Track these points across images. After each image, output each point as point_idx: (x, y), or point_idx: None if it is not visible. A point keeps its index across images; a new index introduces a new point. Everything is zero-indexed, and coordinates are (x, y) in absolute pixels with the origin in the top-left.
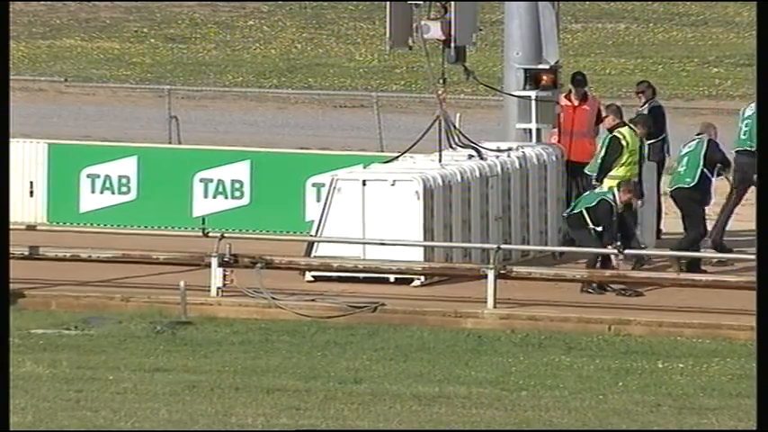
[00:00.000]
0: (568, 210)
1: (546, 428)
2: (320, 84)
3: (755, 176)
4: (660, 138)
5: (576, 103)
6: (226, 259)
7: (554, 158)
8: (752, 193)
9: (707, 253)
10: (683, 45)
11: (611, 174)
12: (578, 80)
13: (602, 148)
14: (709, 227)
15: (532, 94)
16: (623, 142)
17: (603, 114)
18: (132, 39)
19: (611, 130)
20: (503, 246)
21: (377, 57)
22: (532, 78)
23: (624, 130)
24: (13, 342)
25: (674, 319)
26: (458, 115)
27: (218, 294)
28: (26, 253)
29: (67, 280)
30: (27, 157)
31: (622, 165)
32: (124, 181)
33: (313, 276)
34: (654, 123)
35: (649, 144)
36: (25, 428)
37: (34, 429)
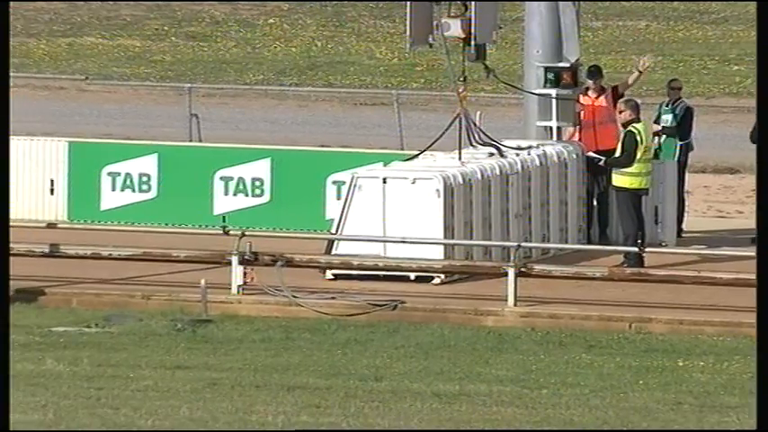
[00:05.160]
0: None
1: (566, 427)
2: (341, 82)
3: None
4: (687, 139)
5: (594, 97)
6: (246, 257)
7: (574, 156)
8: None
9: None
10: (703, 43)
11: (623, 170)
12: (592, 72)
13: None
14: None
15: (553, 92)
16: (638, 137)
17: (619, 109)
18: (153, 37)
19: (625, 125)
20: (523, 243)
21: (397, 54)
22: (553, 76)
23: (639, 125)
24: (33, 340)
25: (695, 317)
26: (478, 113)
27: (238, 292)
28: (47, 251)
29: (88, 278)
30: (48, 156)
31: (636, 160)
32: (145, 179)
33: (333, 274)
34: (684, 125)
35: (680, 144)
36: (46, 426)
37: (54, 427)
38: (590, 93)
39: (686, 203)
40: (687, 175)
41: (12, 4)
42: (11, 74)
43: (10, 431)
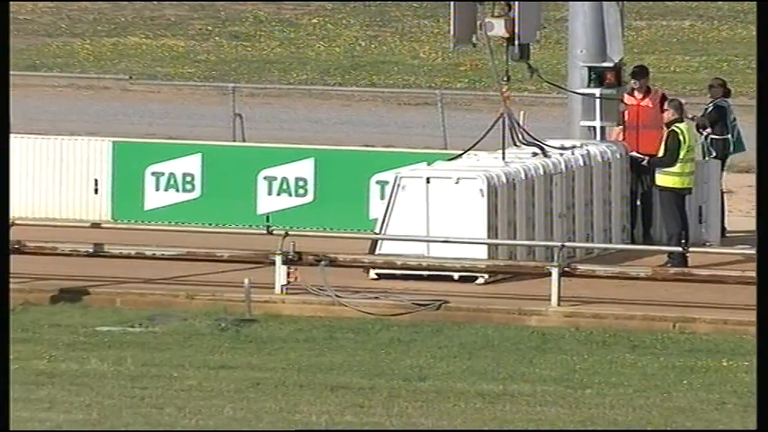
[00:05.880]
0: None
1: (610, 427)
2: (384, 81)
3: None
4: (723, 136)
5: (639, 97)
6: (290, 257)
7: (618, 156)
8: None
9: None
10: (748, 42)
11: (667, 169)
12: (637, 72)
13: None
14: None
15: (596, 91)
16: (681, 137)
17: (665, 107)
18: (197, 36)
19: (668, 125)
20: (567, 243)
21: (441, 54)
22: (597, 76)
23: (682, 125)
24: (78, 339)
25: (739, 317)
26: (522, 113)
27: (282, 292)
28: (91, 250)
29: (132, 277)
30: (92, 155)
31: (679, 160)
32: (188, 179)
33: (377, 274)
34: (717, 121)
35: (712, 140)
36: (90, 426)
37: (99, 427)
38: (636, 93)
39: (725, 203)
40: (725, 174)
41: (56, 3)
42: (55, 74)
43: (10, 431)
